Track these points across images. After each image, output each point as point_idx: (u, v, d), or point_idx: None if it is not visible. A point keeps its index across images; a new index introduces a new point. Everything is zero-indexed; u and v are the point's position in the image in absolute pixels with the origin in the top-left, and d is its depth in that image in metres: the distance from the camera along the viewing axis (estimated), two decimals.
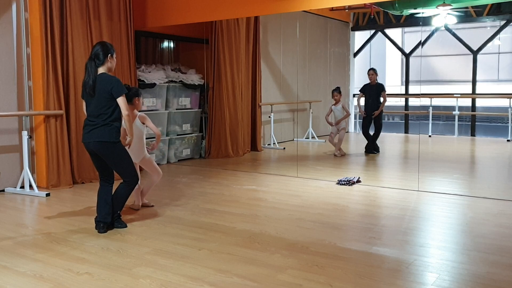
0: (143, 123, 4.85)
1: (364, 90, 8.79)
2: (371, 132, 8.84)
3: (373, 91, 8.64)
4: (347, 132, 8.79)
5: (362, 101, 8.92)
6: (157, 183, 5.34)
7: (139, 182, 4.92)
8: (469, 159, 8.83)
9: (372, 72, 8.70)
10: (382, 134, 8.88)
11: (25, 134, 5.79)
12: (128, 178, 4.38)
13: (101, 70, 4.28)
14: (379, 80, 8.78)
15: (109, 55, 4.30)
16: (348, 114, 8.71)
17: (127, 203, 5.05)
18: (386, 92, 8.60)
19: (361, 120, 8.97)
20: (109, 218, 4.32)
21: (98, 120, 4.23)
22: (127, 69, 6.91)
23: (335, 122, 8.60)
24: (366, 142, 8.89)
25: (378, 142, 8.88)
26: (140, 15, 7.41)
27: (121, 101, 4.21)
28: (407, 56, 11.89)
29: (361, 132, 9.00)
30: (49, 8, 6.00)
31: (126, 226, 4.47)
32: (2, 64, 5.86)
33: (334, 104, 8.64)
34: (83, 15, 6.37)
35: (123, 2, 6.82)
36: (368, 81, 8.75)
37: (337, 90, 8.66)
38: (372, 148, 8.81)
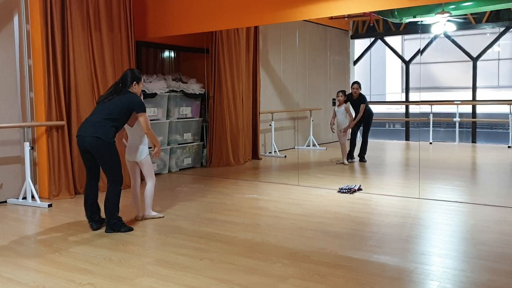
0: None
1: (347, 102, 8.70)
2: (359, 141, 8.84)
3: (355, 104, 8.50)
4: (348, 139, 8.68)
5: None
6: (156, 192, 5.33)
7: (138, 188, 4.95)
8: (470, 166, 8.83)
9: (356, 86, 8.54)
10: (382, 141, 8.86)
11: (27, 145, 5.81)
12: (114, 179, 4.54)
13: None
14: (380, 88, 8.75)
15: (135, 82, 4.71)
16: (351, 118, 8.40)
17: (129, 213, 5.08)
18: (389, 100, 8.54)
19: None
20: (98, 216, 4.66)
21: (99, 119, 4.48)
22: None
23: (337, 126, 8.50)
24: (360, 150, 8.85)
25: (379, 149, 8.83)
26: (140, 26, 7.46)
27: (142, 118, 4.59)
28: (407, 63, 11.92)
29: (361, 140, 8.96)
30: (50, 19, 6.05)
31: (132, 229, 4.59)
32: (4, 76, 5.90)
33: (338, 106, 8.46)
34: (84, 26, 6.41)
35: (124, 13, 6.86)
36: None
37: (342, 92, 8.47)
38: (351, 156, 8.76)
